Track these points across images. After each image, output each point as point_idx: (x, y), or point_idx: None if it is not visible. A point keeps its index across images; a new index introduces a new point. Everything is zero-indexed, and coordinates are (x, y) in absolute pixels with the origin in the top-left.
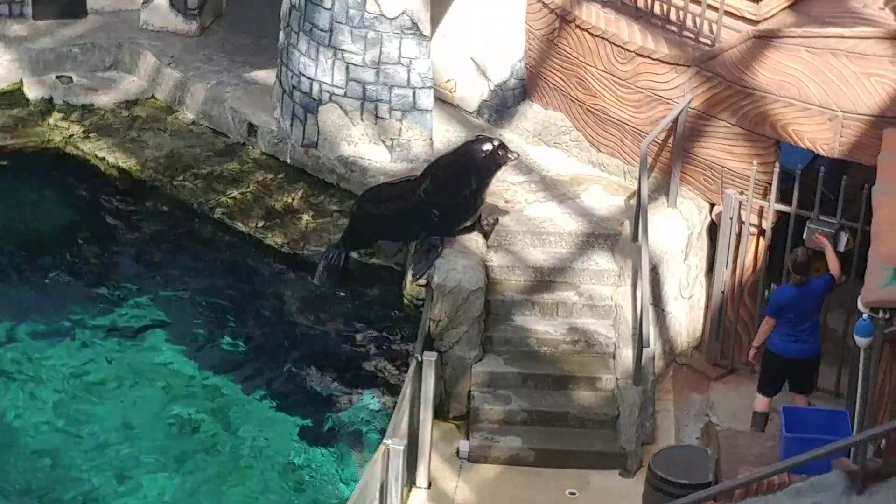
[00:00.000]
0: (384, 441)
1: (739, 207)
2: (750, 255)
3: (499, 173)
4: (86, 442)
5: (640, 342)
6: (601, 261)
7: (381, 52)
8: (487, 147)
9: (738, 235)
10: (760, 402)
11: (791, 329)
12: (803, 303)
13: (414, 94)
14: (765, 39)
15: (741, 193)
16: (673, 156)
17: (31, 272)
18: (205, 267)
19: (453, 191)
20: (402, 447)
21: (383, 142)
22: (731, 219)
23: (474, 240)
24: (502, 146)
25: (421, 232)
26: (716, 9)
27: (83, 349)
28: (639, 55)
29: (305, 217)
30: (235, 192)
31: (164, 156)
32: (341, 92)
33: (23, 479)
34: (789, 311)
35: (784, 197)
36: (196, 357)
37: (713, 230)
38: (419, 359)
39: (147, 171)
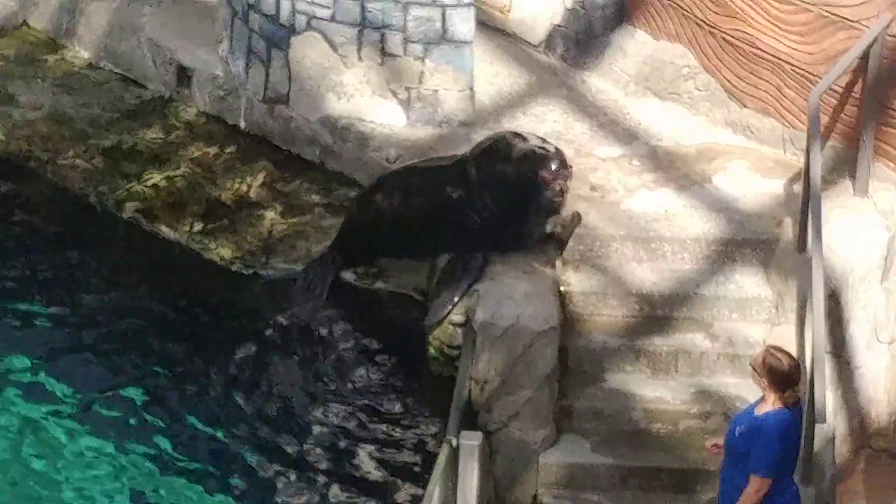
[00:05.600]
0: None
1: None
2: None
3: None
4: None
5: (810, 416)
6: (747, 284)
7: None
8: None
9: None
10: None
11: None
12: None
13: (443, 15)
14: None
15: None
16: (862, 113)
17: None
18: (108, 293)
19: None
20: None
21: (394, 93)
22: None
23: (542, 250)
24: (549, 162)
25: (455, 246)
26: None
27: None
28: None
29: (270, 216)
30: (157, 177)
31: (42, 118)
32: (327, 14)
33: None
34: None
35: None
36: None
37: None
38: (454, 443)
39: (16, 142)
